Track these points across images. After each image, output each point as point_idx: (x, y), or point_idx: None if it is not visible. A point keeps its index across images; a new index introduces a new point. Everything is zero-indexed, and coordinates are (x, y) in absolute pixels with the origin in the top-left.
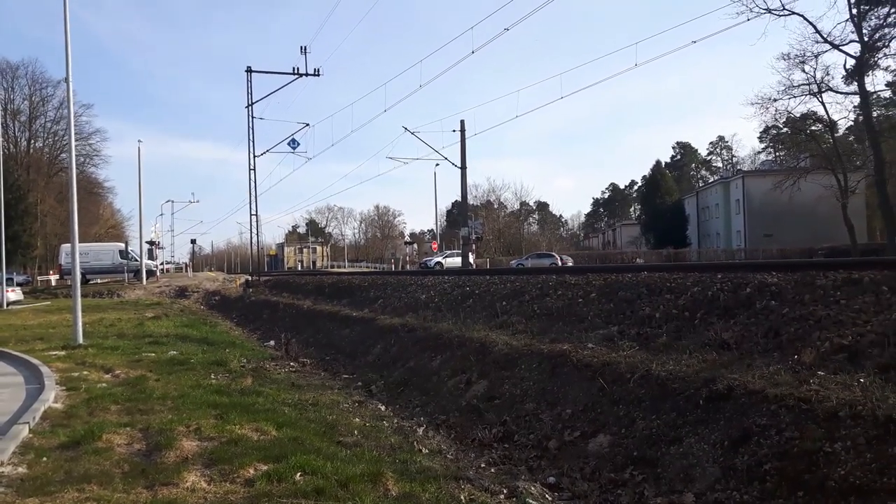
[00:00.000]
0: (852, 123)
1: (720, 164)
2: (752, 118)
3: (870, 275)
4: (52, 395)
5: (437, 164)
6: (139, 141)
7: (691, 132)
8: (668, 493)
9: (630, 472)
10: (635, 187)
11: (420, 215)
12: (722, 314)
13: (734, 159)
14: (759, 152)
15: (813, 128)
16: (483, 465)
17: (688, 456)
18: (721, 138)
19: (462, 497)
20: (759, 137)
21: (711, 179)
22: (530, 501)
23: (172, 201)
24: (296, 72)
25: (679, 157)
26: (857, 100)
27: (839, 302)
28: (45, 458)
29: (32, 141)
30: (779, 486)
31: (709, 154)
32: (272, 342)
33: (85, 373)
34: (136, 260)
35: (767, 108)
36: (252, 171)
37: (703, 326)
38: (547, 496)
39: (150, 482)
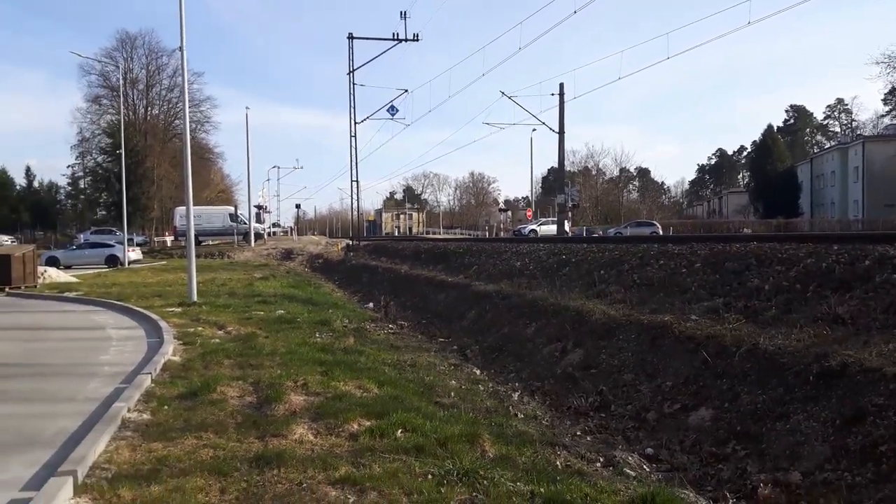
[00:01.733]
0: None
1: (838, 129)
2: (877, 79)
3: None
4: (171, 348)
5: (534, 130)
6: (247, 108)
7: (807, 96)
8: (773, 470)
9: (732, 446)
10: (744, 153)
11: (515, 182)
12: (837, 287)
13: (854, 124)
14: (882, 116)
15: None
16: (579, 433)
17: (795, 433)
18: (840, 101)
19: (558, 462)
20: (884, 100)
21: (828, 145)
22: (628, 471)
23: (278, 167)
24: (396, 37)
25: (793, 121)
26: None
27: None
28: (165, 407)
29: (149, 108)
30: (895, 469)
31: (825, 118)
32: (371, 304)
33: (199, 329)
34: (245, 223)
35: (894, 67)
36: (353, 138)
37: (815, 300)
38: (644, 467)
39: (261, 433)
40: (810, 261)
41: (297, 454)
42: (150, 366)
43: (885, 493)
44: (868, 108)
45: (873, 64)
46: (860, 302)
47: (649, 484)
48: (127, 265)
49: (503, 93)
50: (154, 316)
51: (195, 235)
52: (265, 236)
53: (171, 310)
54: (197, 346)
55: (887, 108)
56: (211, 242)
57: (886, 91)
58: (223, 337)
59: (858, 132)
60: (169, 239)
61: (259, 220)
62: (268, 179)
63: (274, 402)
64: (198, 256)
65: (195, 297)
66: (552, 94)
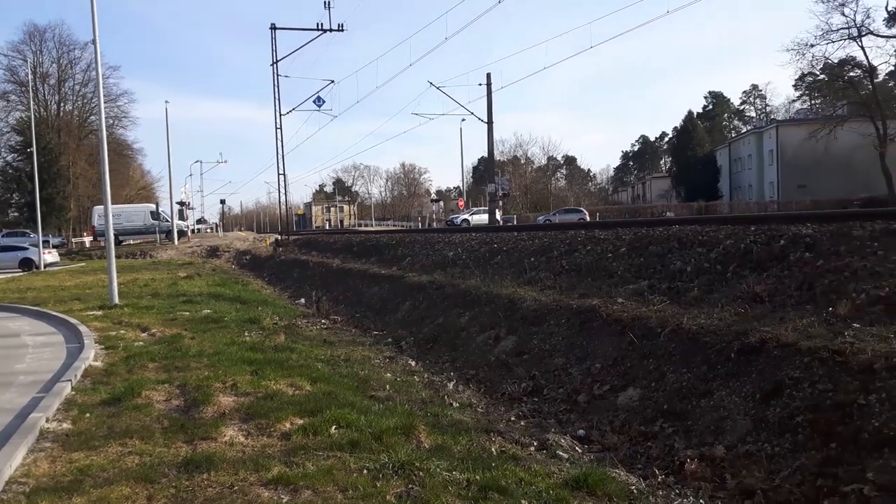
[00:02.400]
0: (893, 68)
1: (753, 114)
2: (788, 65)
3: None
4: (92, 353)
5: (464, 120)
6: (166, 102)
7: (724, 82)
8: (699, 446)
9: (660, 424)
10: (666, 139)
11: (446, 172)
12: (755, 267)
13: (768, 109)
14: (793, 101)
15: (851, 74)
16: (513, 419)
17: (718, 409)
18: (755, 87)
19: (493, 449)
20: (795, 85)
21: (744, 130)
22: (561, 453)
23: (201, 162)
24: (320, 27)
25: (711, 107)
26: None
27: (876, 253)
28: (87, 415)
29: (62, 104)
30: (811, 438)
31: (742, 104)
32: (303, 300)
33: (122, 332)
34: (168, 221)
35: (804, 55)
36: (278, 130)
37: (735, 280)
38: (577, 448)
39: (189, 437)
40: (729, 242)
41: (228, 456)
42: (69, 372)
43: (802, 462)
44: (780, 94)
45: (784, 51)
46: (776, 280)
47: (581, 465)
48: (43, 268)
49: (431, 83)
50: (73, 320)
51: (115, 235)
52: (189, 234)
53: (91, 313)
54: (120, 350)
55: (798, 94)
56: (132, 242)
57: (797, 77)
58: (147, 339)
59: (772, 117)
60: (88, 239)
61: (182, 217)
62: (190, 175)
63: (202, 405)
64: (119, 257)
65: (117, 300)
66: (480, 85)
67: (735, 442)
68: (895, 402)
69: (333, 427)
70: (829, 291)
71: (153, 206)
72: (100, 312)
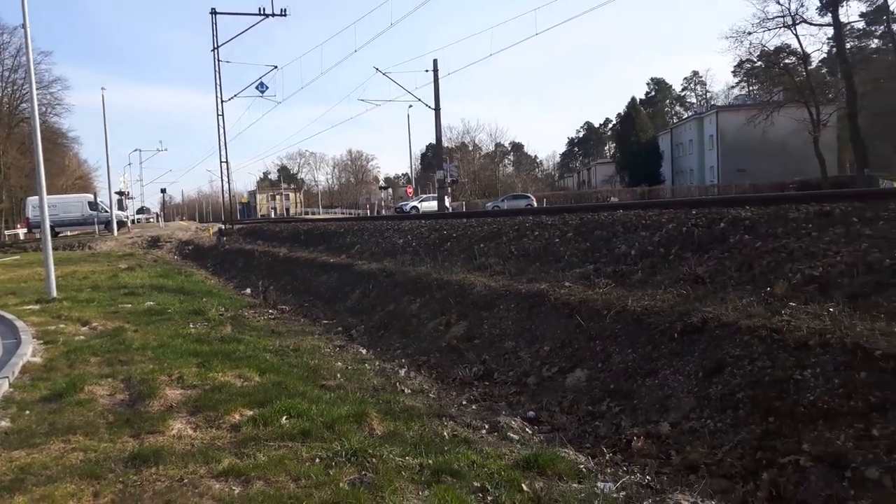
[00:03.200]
0: (826, 56)
1: (694, 101)
2: (727, 52)
3: (840, 207)
4: (30, 349)
5: (411, 106)
6: (102, 89)
7: (666, 69)
8: (645, 423)
9: (607, 404)
10: (610, 125)
11: (394, 159)
12: (696, 249)
13: (708, 95)
14: (732, 87)
15: (786, 61)
16: (464, 403)
17: (663, 387)
18: (695, 73)
19: (445, 433)
20: (733, 72)
21: (686, 116)
22: (512, 435)
23: (140, 150)
24: (262, 12)
25: (654, 93)
26: (830, 31)
27: (811, 234)
28: (27, 412)
29: None
30: (751, 413)
31: (683, 90)
32: (249, 290)
33: (61, 326)
34: (107, 211)
35: (741, 42)
36: (220, 117)
37: (677, 262)
38: (527, 429)
39: (135, 431)
40: (672, 226)
41: (176, 450)
42: (6, 369)
43: (743, 436)
44: (720, 80)
45: (723, 38)
46: (717, 262)
47: (532, 446)
48: None
49: (377, 69)
50: (9, 315)
51: (51, 226)
52: (129, 224)
53: (28, 308)
54: (59, 344)
55: (736, 80)
56: (69, 233)
57: (735, 64)
58: (88, 333)
59: (712, 103)
60: (21, 232)
61: (122, 207)
62: (129, 164)
63: (148, 399)
64: (56, 249)
65: (55, 293)
66: (426, 71)
67: (679, 419)
68: (828, 377)
69: (284, 417)
70: (767, 272)
71: (91, 197)
72: (37, 307)
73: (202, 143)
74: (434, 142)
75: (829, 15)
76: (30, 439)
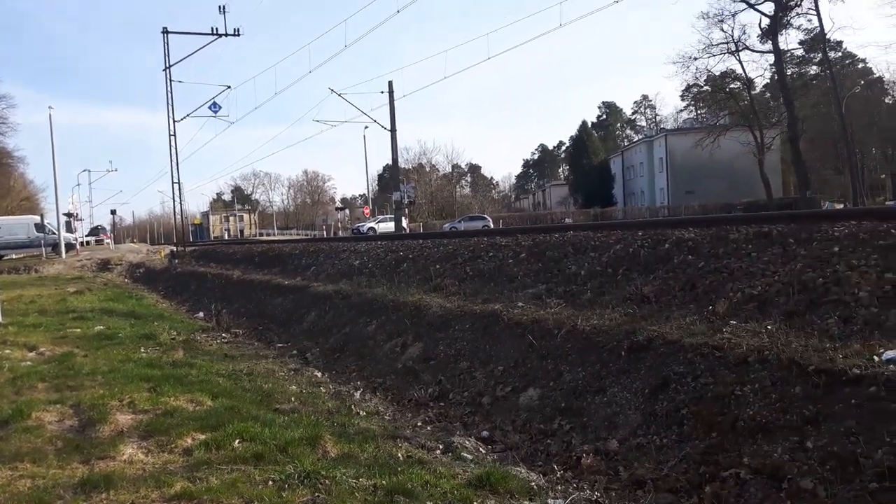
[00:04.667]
0: (768, 81)
1: (644, 124)
2: (674, 76)
3: (778, 228)
4: None
5: (367, 127)
6: (50, 107)
7: (617, 92)
8: (594, 441)
9: (559, 422)
10: (563, 148)
11: (351, 180)
12: (642, 270)
13: (657, 118)
14: (681, 111)
15: (732, 86)
16: (419, 424)
17: (612, 405)
18: (645, 97)
19: (399, 455)
20: (681, 96)
21: (636, 138)
22: (465, 455)
23: (89, 170)
24: (215, 32)
25: (605, 116)
26: (771, 58)
27: (750, 254)
28: None
29: None
30: (695, 428)
31: (633, 113)
32: (202, 314)
33: (7, 351)
34: (54, 233)
35: (688, 67)
36: (172, 137)
37: (624, 282)
38: (481, 449)
39: (85, 457)
40: (619, 247)
41: (128, 475)
42: None
43: (687, 451)
44: (669, 104)
45: (671, 63)
46: (662, 282)
47: (485, 465)
48: None
49: (332, 90)
50: None
51: None
52: (78, 246)
53: None
54: (5, 370)
55: (684, 104)
56: (14, 256)
57: (683, 88)
58: (35, 359)
59: (661, 126)
60: None
61: (70, 229)
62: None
63: (98, 424)
64: (0, 272)
65: (0, 318)
66: (382, 92)
67: (627, 435)
68: (766, 392)
69: (237, 441)
70: (709, 291)
71: (37, 218)
72: None
73: (154, 164)
74: (391, 162)
75: (770, 42)
76: None
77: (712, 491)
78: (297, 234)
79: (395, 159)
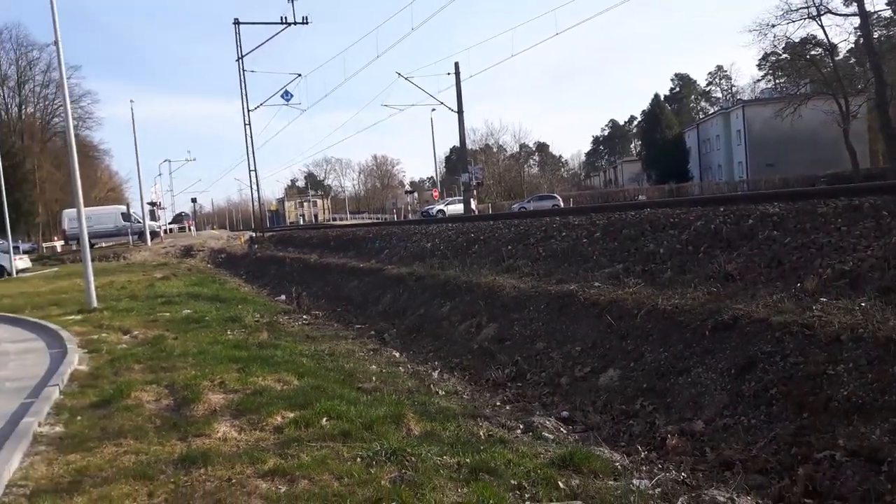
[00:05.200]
0: (853, 46)
1: (720, 95)
2: (751, 45)
3: (870, 200)
4: (76, 357)
5: (434, 110)
6: (131, 101)
7: (690, 64)
8: (679, 421)
9: (641, 403)
10: (635, 123)
11: (419, 163)
12: (725, 247)
13: (734, 89)
14: (758, 81)
15: (813, 52)
16: (498, 404)
17: (696, 385)
18: (720, 68)
19: (481, 433)
20: (759, 65)
21: (711, 111)
22: (546, 435)
23: (169, 161)
24: (284, 21)
25: (678, 89)
26: (856, 21)
27: (840, 229)
28: (79, 417)
29: (23, 107)
30: (784, 409)
31: (708, 85)
32: (283, 296)
33: (104, 335)
34: (139, 222)
35: (766, 35)
36: (247, 126)
37: (706, 260)
38: (562, 429)
39: (182, 434)
40: (700, 223)
41: (223, 451)
42: (55, 377)
43: (777, 432)
44: (745, 74)
45: (747, 32)
46: (746, 259)
47: (566, 445)
48: (15, 275)
49: (400, 74)
50: (53, 326)
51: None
52: (161, 234)
53: (70, 318)
54: (103, 353)
55: (762, 73)
56: (104, 244)
57: (760, 57)
58: (130, 342)
59: (738, 97)
60: (59, 244)
61: (154, 217)
62: (159, 174)
63: (192, 403)
64: (91, 260)
65: (95, 303)
66: (448, 74)
67: (713, 416)
68: (862, 372)
69: (324, 419)
70: (797, 268)
71: (124, 208)
72: (79, 317)
73: (230, 152)
74: (458, 144)
75: (855, 4)
76: (83, 443)
77: (805, 473)
78: (369, 218)
79: (462, 141)
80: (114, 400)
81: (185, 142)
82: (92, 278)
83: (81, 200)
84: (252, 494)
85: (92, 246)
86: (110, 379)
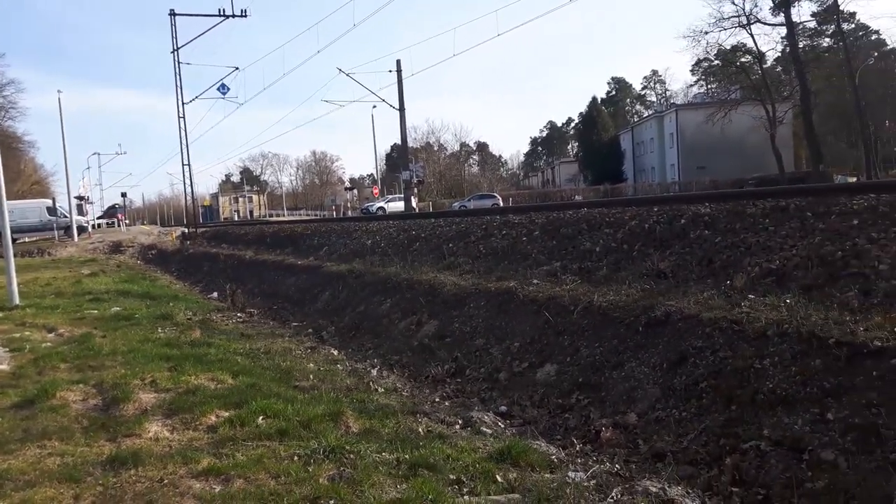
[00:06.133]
0: (780, 55)
1: (654, 99)
2: (685, 51)
3: (795, 202)
4: None
5: (375, 107)
6: (59, 91)
7: (626, 68)
8: (613, 415)
9: (576, 397)
10: (572, 125)
11: (359, 160)
12: (658, 245)
13: (668, 93)
14: (691, 85)
15: (742, 59)
16: (437, 400)
17: (629, 379)
18: (654, 72)
19: (420, 429)
20: (692, 70)
21: (646, 114)
22: (485, 429)
23: (99, 154)
24: (222, 13)
25: (614, 92)
26: (783, 31)
27: (767, 229)
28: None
29: None
30: (714, 401)
31: (643, 89)
32: (216, 294)
33: (27, 333)
34: (66, 216)
35: (699, 41)
36: (181, 119)
37: (640, 258)
38: (500, 424)
39: (111, 434)
40: (634, 223)
41: (155, 452)
42: None
43: (707, 424)
44: (679, 79)
45: (681, 38)
46: (678, 257)
47: (504, 439)
48: None
49: (340, 69)
50: None
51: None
52: (89, 229)
53: None
54: (26, 352)
55: (695, 79)
56: (27, 239)
57: (693, 63)
58: (55, 340)
59: (672, 101)
60: None
61: (81, 212)
62: (88, 168)
63: (122, 403)
64: (14, 255)
65: (17, 300)
66: (390, 71)
67: (646, 409)
68: (786, 365)
69: (260, 417)
70: (726, 266)
71: (49, 202)
72: (0, 314)
73: (163, 146)
74: (399, 142)
75: (782, 15)
76: (4, 445)
77: (732, 463)
78: (307, 215)
79: (403, 138)
80: (37, 400)
81: (116, 134)
82: (14, 274)
83: (3, 193)
84: (185, 495)
85: (14, 241)
86: (34, 378)
